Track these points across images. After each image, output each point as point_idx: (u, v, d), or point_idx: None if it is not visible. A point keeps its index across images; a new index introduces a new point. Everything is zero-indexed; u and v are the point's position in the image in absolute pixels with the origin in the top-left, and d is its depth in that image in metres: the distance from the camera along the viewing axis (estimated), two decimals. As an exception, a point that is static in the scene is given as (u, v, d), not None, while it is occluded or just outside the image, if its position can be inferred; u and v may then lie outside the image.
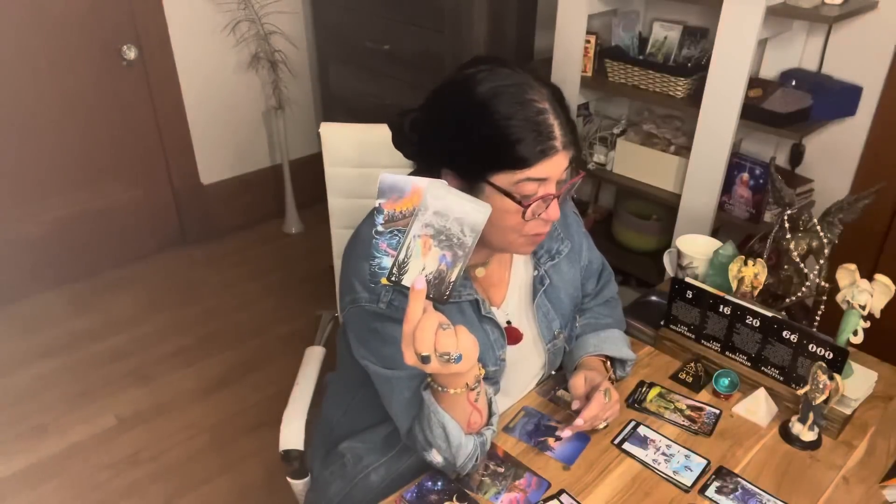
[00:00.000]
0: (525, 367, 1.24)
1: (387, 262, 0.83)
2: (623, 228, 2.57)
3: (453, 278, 0.83)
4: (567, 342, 1.27)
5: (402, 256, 0.82)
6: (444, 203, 0.82)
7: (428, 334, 0.82)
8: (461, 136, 0.98)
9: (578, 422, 1.11)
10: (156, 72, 2.76)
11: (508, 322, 1.19)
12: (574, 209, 1.30)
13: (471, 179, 0.99)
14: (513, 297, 1.20)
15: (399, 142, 1.06)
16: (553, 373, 1.30)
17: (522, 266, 1.21)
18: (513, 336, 1.18)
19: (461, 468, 1.05)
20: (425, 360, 0.83)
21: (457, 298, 1.09)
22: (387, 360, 1.05)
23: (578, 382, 1.17)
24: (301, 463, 1.33)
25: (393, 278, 0.83)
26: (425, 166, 1.04)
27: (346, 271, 1.10)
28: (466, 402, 0.97)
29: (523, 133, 0.94)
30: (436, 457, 1.03)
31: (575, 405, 1.14)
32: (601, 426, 1.17)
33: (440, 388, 0.95)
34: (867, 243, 2.16)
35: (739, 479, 1.10)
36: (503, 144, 0.95)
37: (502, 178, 0.97)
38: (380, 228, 0.82)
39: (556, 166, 0.98)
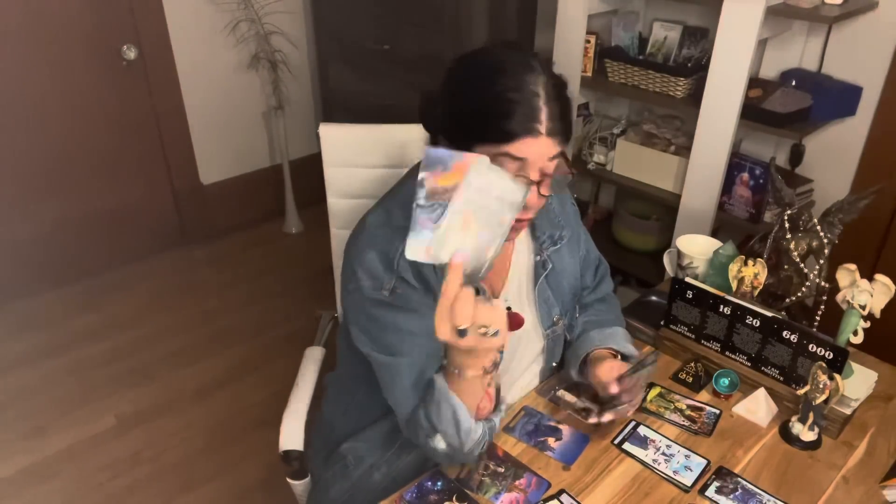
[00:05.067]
0: (522, 352, 1.24)
1: (426, 235, 0.81)
2: (623, 228, 2.57)
3: (489, 255, 0.82)
4: (567, 331, 1.28)
5: (441, 230, 0.81)
6: (486, 180, 0.81)
7: (467, 306, 0.81)
8: (458, 105, 1.02)
9: (629, 409, 1.13)
10: (156, 72, 2.76)
11: (509, 308, 1.19)
12: (572, 200, 1.31)
13: (459, 147, 1.01)
14: (513, 284, 1.21)
15: (421, 111, 1.09)
16: (553, 364, 1.31)
17: (524, 252, 1.22)
18: (515, 322, 1.19)
19: (468, 453, 1.03)
20: (463, 333, 0.82)
21: None
22: (388, 348, 1.05)
23: (608, 367, 1.17)
24: (301, 463, 1.33)
25: (431, 251, 0.81)
26: (430, 132, 1.09)
27: (349, 260, 1.10)
28: (479, 387, 0.97)
29: (510, 109, 0.97)
30: (439, 443, 1.02)
31: (613, 389, 1.13)
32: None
33: (456, 371, 0.94)
34: (867, 243, 2.16)
35: (739, 479, 1.10)
36: (490, 116, 0.98)
37: (485, 150, 0.99)
38: (422, 202, 0.81)
39: (536, 149, 0.99)
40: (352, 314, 1.11)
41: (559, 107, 1.00)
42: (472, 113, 1.01)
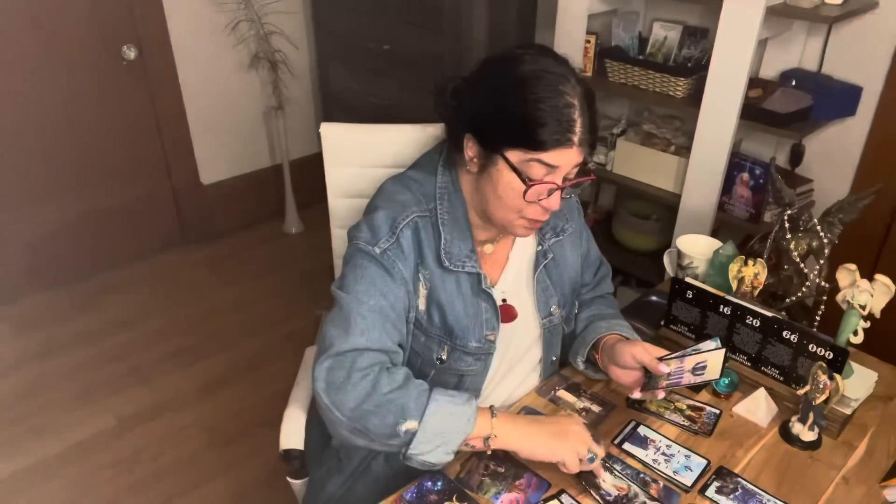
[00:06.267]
0: (521, 337, 1.25)
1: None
2: (623, 228, 2.57)
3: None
4: (565, 323, 1.28)
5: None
6: None
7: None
8: (492, 106, 1.05)
9: (661, 393, 1.16)
10: (156, 72, 2.76)
11: (504, 300, 1.20)
12: (577, 200, 1.33)
13: (489, 148, 1.06)
14: (510, 274, 1.22)
15: (437, 102, 1.14)
16: (553, 359, 1.31)
17: (527, 242, 1.24)
18: (507, 314, 1.20)
19: (389, 442, 1.02)
20: (591, 460, 1.05)
21: (460, 269, 1.13)
22: (354, 291, 1.07)
23: (642, 348, 1.16)
24: (301, 463, 1.33)
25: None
26: (452, 128, 1.14)
27: (361, 219, 1.15)
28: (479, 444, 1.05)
29: (547, 118, 1.00)
30: (405, 426, 0.99)
31: (663, 369, 1.13)
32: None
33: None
34: (867, 243, 2.16)
35: (739, 479, 1.10)
36: (526, 123, 1.01)
37: (516, 155, 1.03)
38: None
39: (567, 158, 1.03)
40: (344, 261, 1.14)
41: (590, 117, 1.04)
42: (506, 119, 1.03)
